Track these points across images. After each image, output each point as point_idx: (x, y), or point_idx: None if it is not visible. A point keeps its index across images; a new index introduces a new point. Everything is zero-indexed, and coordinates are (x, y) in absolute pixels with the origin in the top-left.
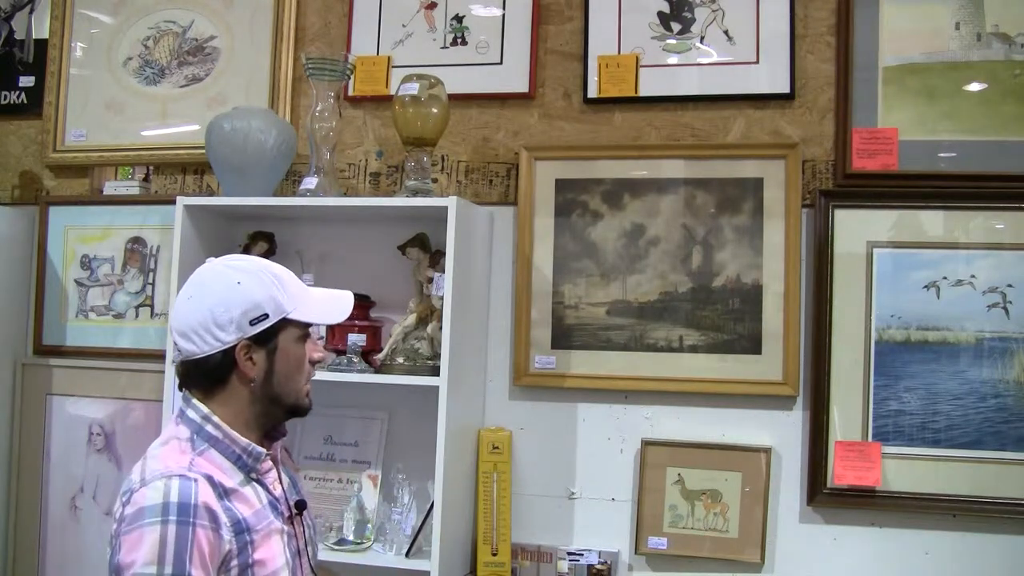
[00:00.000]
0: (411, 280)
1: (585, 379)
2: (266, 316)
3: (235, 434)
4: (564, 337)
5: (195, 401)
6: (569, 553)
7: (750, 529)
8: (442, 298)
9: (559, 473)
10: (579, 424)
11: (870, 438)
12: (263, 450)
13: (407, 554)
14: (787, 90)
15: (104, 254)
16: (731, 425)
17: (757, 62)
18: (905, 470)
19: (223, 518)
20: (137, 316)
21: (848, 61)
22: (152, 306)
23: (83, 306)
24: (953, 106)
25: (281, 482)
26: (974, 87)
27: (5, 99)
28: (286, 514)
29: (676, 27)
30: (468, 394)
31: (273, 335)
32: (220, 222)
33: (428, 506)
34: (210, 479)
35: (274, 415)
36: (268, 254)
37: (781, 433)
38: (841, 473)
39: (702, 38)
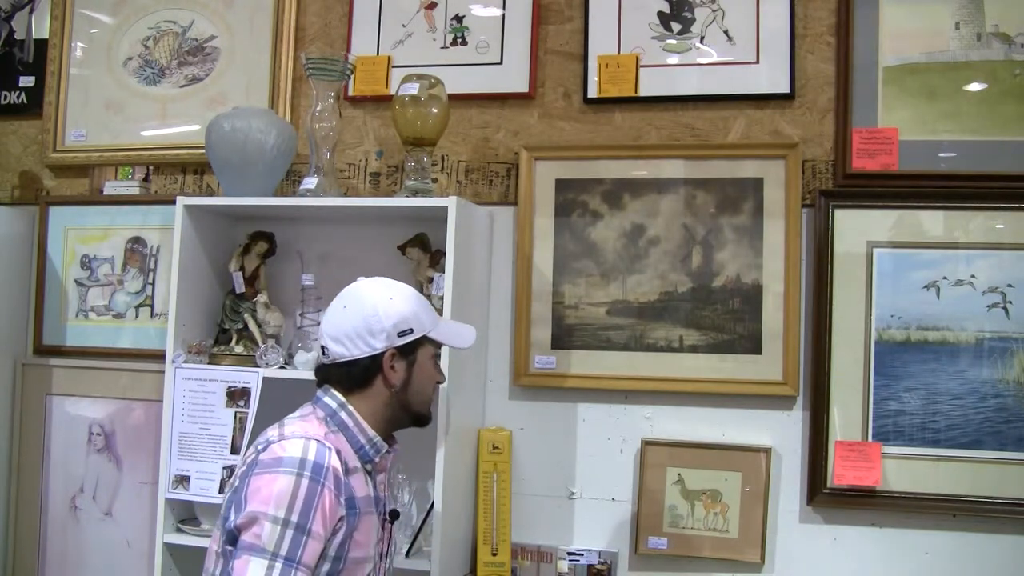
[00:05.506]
0: (411, 280)
1: (585, 379)
2: (411, 331)
3: (365, 424)
4: (564, 337)
5: (333, 391)
6: (569, 553)
7: (750, 529)
8: (442, 298)
9: (559, 473)
10: (579, 424)
11: (870, 438)
12: (385, 444)
13: (407, 554)
14: (787, 90)
15: (104, 254)
16: (731, 425)
17: (757, 62)
18: (905, 470)
19: (343, 489)
20: (137, 316)
21: (848, 61)
22: (152, 306)
23: (83, 306)
24: (953, 106)
25: (385, 487)
26: (974, 87)
27: (5, 99)
28: (382, 517)
29: (676, 27)
30: (468, 394)
31: (414, 349)
32: (220, 222)
33: (428, 506)
34: (338, 452)
35: (400, 420)
36: (268, 254)
37: (781, 433)
38: (841, 473)
39: (702, 38)
